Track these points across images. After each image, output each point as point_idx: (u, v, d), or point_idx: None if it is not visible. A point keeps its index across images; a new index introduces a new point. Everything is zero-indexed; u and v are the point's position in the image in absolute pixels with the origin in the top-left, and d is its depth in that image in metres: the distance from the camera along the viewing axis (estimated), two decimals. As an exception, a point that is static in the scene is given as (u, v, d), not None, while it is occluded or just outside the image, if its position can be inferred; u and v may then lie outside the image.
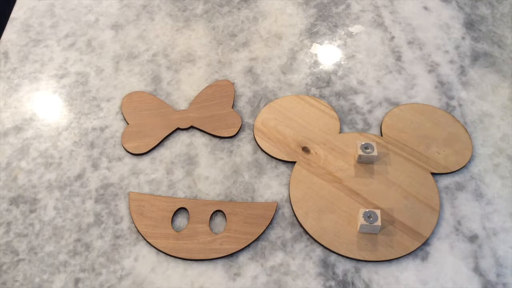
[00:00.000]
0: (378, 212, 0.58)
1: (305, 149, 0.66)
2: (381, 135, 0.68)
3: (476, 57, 0.77)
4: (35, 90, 0.75)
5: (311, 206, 0.62)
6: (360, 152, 0.63)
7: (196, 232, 0.60)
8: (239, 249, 0.59)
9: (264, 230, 0.60)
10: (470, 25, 0.81)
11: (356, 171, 0.64)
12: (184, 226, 0.61)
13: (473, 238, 0.59)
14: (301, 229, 0.61)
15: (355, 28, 0.82)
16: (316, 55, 0.78)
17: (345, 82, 0.74)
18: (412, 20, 0.82)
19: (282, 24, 0.83)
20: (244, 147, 0.68)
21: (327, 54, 0.78)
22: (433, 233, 0.59)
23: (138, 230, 0.61)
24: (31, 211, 0.63)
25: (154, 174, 0.66)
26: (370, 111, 0.71)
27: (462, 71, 0.75)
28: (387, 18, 0.83)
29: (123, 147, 0.68)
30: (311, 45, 0.80)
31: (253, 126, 0.69)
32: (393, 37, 0.80)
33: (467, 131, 0.68)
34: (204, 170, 0.66)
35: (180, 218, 0.62)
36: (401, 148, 0.66)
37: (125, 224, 0.62)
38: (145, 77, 0.76)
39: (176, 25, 0.83)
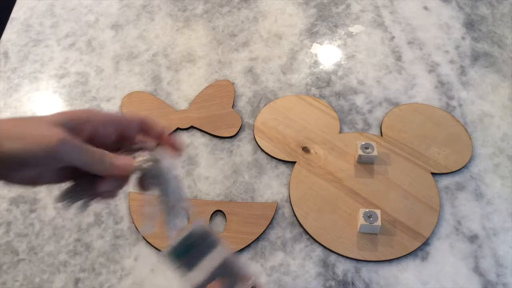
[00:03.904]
0: (378, 212, 0.58)
1: (305, 149, 0.66)
2: (381, 135, 0.68)
3: (476, 57, 0.77)
4: (35, 90, 0.75)
5: (311, 206, 0.62)
6: (360, 152, 0.63)
7: (196, 232, 0.60)
8: (239, 249, 0.59)
9: (264, 230, 0.60)
10: (470, 25, 0.81)
11: (356, 171, 0.64)
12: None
13: (473, 238, 0.59)
14: (301, 229, 0.61)
15: (355, 28, 0.82)
16: (316, 55, 0.78)
17: (345, 82, 0.74)
18: (412, 20, 0.82)
19: (282, 24, 0.83)
20: (244, 147, 0.68)
21: (327, 54, 0.78)
22: (433, 233, 0.59)
23: (138, 230, 0.60)
24: (31, 211, 0.63)
25: (154, 174, 0.66)
26: (370, 111, 0.71)
27: (462, 71, 0.75)
28: (387, 18, 0.83)
29: (123, 147, 0.68)
30: (311, 45, 0.80)
31: (253, 126, 0.69)
32: (393, 37, 0.80)
33: (467, 131, 0.68)
34: (204, 170, 0.66)
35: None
36: (401, 148, 0.66)
37: (125, 224, 0.62)
38: (145, 77, 0.76)
39: (176, 25, 0.83)
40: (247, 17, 0.84)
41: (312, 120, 0.69)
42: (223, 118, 0.70)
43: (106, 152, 0.39)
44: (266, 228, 0.60)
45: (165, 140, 0.43)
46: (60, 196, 0.39)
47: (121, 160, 0.39)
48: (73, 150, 0.36)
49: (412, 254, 0.58)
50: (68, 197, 0.39)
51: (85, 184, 0.40)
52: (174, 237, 0.42)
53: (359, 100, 0.72)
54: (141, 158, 0.41)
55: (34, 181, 0.38)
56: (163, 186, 0.42)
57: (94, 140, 0.39)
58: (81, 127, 0.38)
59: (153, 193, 0.42)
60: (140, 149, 0.42)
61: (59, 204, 0.40)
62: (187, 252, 0.42)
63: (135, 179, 0.42)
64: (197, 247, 0.42)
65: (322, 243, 0.59)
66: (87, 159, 0.37)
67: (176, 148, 0.44)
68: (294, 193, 0.63)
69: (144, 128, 0.42)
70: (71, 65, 0.78)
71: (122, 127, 0.41)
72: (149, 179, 0.41)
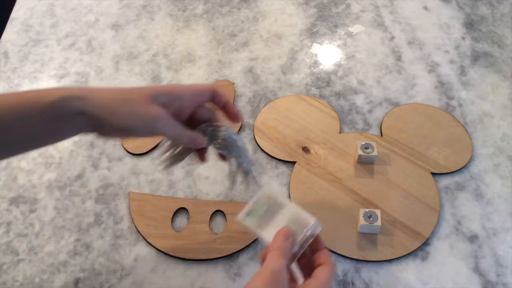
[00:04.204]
0: (378, 212, 0.58)
1: (305, 149, 0.66)
2: (381, 135, 0.68)
3: (476, 57, 0.77)
4: (35, 90, 0.75)
5: (311, 206, 0.62)
6: (360, 152, 0.63)
7: (196, 232, 0.60)
8: (239, 249, 0.59)
9: (264, 230, 0.60)
10: (470, 25, 0.81)
11: (356, 171, 0.64)
12: (184, 226, 0.61)
13: (473, 238, 0.59)
14: (301, 229, 0.60)
15: (355, 28, 0.82)
16: (316, 55, 0.78)
17: (345, 82, 0.74)
18: (412, 20, 0.82)
19: (282, 24, 0.83)
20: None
21: (327, 54, 0.78)
22: (433, 233, 0.59)
23: (138, 230, 0.60)
24: (31, 211, 0.63)
25: (154, 174, 0.66)
26: (370, 111, 0.71)
27: (462, 71, 0.75)
28: (387, 18, 0.83)
29: (123, 147, 0.68)
30: (311, 45, 0.80)
31: (253, 126, 0.69)
32: (393, 37, 0.80)
33: (467, 131, 0.68)
34: (204, 170, 0.66)
35: (180, 218, 0.62)
36: (401, 148, 0.66)
37: (125, 224, 0.62)
38: (145, 77, 0.76)
39: (176, 25, 0.83)
40: (247, 17, 0.84)
41: (312, 120, 0.69)
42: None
43: (187, 129, 0.48)
44: (266, 228, 0.60)
45: (228, 109, 0.51)
46: (160, 155, 0.52)
47: (197, 136, 0.49)
48: (167, 126, 0.46)
49: (412, 254, 0.58)
50: (166, 156, 0.52)
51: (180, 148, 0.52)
52: (247, 203, 0.50)
53: (359, 100, 0.72)
54: (219, 141, 0.51)
55: (123, 138, 0.50)
56: (236, 154, 0.51)
57: (178, 112, 0.48)
58: (172, 103, 0.46)
59: (230, 161, 0.52)
60: (209, 122, 0.51)
61: (158, 158, 0.51)
62: (260, 214, 0.48)
63: (214, 150, 0.52)
64: (267, 208, 0.49)
65: (322, 243, 0.59)
66: (175, 134, 0.47)
67: (237, 118, 0.51)
68: (294, 193, 0.63)
69: (213, 97, 0.50)
70: (71, 65, 0.78)
71: (198, 97, 0.49)
72: (223, 150, 0.51)
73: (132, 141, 0.68)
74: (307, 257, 0.46)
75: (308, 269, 0.45)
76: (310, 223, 0.46)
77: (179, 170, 0.66)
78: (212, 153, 0.67)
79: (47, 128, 0.44)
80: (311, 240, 0.46)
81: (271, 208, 0.48)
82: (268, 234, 0.46)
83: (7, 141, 0.43)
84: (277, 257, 0.42)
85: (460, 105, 0.71)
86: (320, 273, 0.43)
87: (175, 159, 0.52)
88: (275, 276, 0.41)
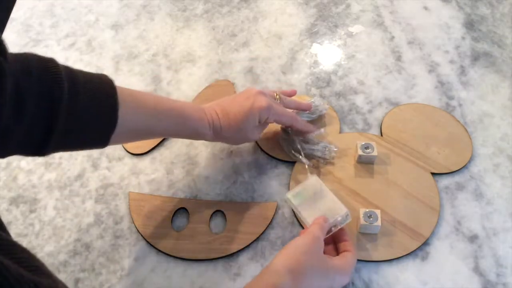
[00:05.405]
0: (378, 212, 0.58)
1: (305, 149, 0.66)
2: (381, 135, 0.68)
3: (476, 57, 0.77)
4: (35, 90, 0.75)
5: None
6: (360, 152, 0.63)
7: (196, 232, 0.60)
8: (239, 249, 0.59)
9: (264, 230, 0.60)
10: (470, 25, 0.81)
11: (356, 171, 0.64)
12: (184, 226, 0.61)
13: (473, 238, 0.59)
14: (301, 229, 0.60)
15: (355, 28, 0.82)
16: (316, 55, 0.78)
17: (345, 82, 0.74)
18: (412, 20, 0.82)
19: (282, 24, 0.83)
20: (244, 147, 0.68)
21: (327, 54, 0.78)
22: (433, 233, 0.59)
23: (138, 230, 0.60)
24: (31, 211, 0.63)
25: (154, 174, 0.66)
26: (370, 111, 0.71)
27: (462, 71, 0.75)
28: (387, 18, 0.83)
29: (123, 147, 0.68)
30: (311, 45, 0.80)
31: (253, 126, 0.69)
32: (393, 37, 0.80)
33: (467, 131, 0.68)
34: (204, 170, 0.66)
35: (180, 218, 0.62)
36: (401, 148, 0.66)
37: (125, 224, 0.62)
38: (145, 77, 0.76)
39: (176, 25, 0.83)
40: (247, 17, 0.84)
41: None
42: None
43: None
44: (266, 228, 0.60)
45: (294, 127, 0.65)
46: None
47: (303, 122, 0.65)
48: (275, 111, 0.59)
49: (412, 254, 0.58)
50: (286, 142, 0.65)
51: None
52: (295, 187, 0.59)
53: (359, 100, 0.72)
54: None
55: (238, 142, 0.64)
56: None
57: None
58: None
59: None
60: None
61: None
62: (305, 197, 0.58)
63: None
64: (312, 194, 0.58)
65: (322, 243, 0.59)
66: (283, 118, 0.62)
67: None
68: (294, 193, 0.63)
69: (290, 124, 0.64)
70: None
71: (291, 123, 0.64)
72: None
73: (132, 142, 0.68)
74: (334, 245, 0.56)
75: (334, 255, 0.55)
76: (341, 212, 0.55)
77: (179, 170, 0.66)
78: (210, 152, 0.67)
79: (187, 136, 0.61)
80: (339, 227, 0.55)
81: (315, 195, 0.58)
82: (307, 214, 0.56)
83: (155, 133, 0.59)
84: (318, 228, 0.52)
85: (460, 105, 0.71)
86: (346, 255, 0.53)
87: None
88: (315, 239, 0.51)
